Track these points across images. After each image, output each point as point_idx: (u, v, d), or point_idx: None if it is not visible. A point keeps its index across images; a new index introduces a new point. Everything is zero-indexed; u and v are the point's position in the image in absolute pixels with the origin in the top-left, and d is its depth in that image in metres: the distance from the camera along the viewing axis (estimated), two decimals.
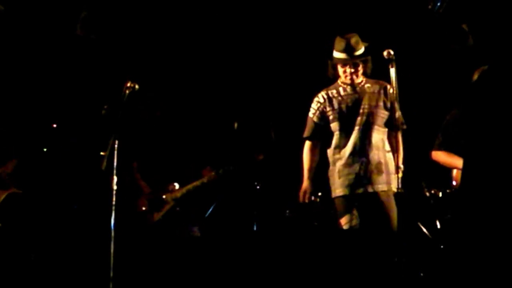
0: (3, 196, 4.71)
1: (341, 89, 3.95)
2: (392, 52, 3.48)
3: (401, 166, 3.62)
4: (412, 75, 4.71)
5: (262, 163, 4.74)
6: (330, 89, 3.99)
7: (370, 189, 3.78)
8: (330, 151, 3.99)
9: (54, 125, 5.38)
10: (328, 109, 3.96)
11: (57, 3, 5.31)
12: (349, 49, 3.84)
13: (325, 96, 3.98)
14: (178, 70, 5.64)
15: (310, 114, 4.03)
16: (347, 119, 3.88)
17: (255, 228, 4.77)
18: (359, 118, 3.85)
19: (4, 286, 4.48)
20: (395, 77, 3.45)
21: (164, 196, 4.56)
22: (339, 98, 3.93)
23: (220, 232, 4.96)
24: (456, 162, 3.82)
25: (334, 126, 3.94)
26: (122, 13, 5.39)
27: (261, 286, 4.41)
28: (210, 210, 4.73)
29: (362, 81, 3.93)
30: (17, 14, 5.23)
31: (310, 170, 3.99)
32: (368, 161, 3.80)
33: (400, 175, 3.51)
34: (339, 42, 3.86)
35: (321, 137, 4.01)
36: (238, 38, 5.65)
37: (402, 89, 3.57)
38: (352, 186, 3.81)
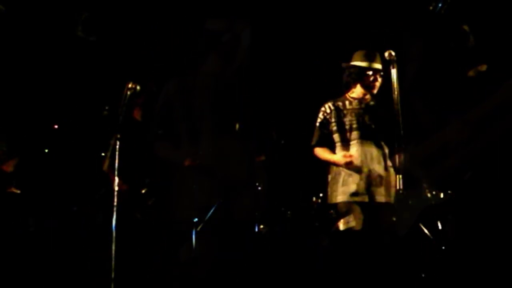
0: None
1: (347, 102, 4.00)
2: (393, 53, 3.46)
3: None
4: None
5: (263, 164, 4.74)
6: (337, 101, 4.04)
7: (368, 199, 3.83)
8: None
9: (56, 126, 5.39)
10: (332, 120, 4.02)
11: (57, 4, 5.31)
12: (376, 61, 3.95)
13: (332, 107, 4.04)
14: (180, 71, 5.64)
15: (317, 123, 4.09)
16: (347, 132, 3.95)
17: (256, 229, 4.77)
18: (357, 132, 3.89)
19: (4, 286, 4.48)
20: (397, 78, 3.42)
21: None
22: (344, 111, 3.98)
23: (221, 233, 4.95)
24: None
25: (336, 137, 4.00)
26: (122, 15, 5.40)
27: (263, 287, 4.41)
28: (211, 211, 4.72)
29: (369, 97, 3.97)
30: (18, 15, 5.23)
31: (330, 152, 4.04)
32: (368, 174, 3.84)
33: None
34: (367, 54, 3.94)
35: (328, 144, 4.05)
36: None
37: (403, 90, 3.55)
38: (353, 194, 3.85)
